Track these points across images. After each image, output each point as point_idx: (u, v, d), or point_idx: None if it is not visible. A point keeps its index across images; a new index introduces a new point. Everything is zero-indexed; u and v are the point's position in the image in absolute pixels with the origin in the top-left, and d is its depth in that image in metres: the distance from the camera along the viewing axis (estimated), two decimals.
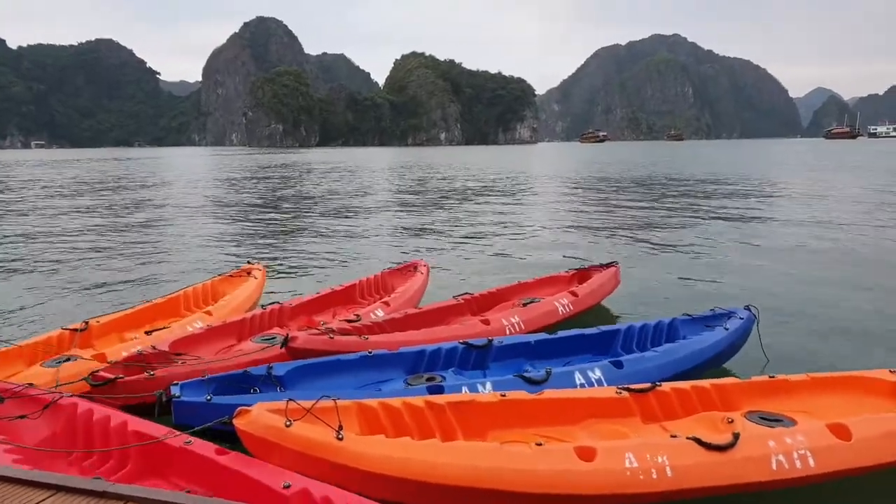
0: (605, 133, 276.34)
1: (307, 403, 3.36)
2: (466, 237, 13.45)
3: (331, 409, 3.40)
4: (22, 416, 3.60)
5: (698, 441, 3.16)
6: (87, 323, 5.59)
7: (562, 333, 5.20)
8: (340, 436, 3.14)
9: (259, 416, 3.29)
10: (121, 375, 4.12)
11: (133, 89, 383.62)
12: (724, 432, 3.45)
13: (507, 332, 5.53)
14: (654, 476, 3.03)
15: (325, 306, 6.73)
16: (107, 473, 3.37)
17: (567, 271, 7.61)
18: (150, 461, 3.39)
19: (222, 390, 4.01)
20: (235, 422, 3.30)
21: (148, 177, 38.68)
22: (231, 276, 7.50)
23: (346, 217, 16.90)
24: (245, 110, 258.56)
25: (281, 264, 10.39)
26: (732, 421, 3.57)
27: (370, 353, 4.66)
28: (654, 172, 36.15)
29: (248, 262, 7.97)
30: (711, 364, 4.99)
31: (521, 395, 3.79)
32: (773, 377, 4.14)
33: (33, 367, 4.77)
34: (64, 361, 4.75)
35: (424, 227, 15.01)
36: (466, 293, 6.71)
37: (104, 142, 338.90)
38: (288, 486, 2.90)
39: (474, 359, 4.90)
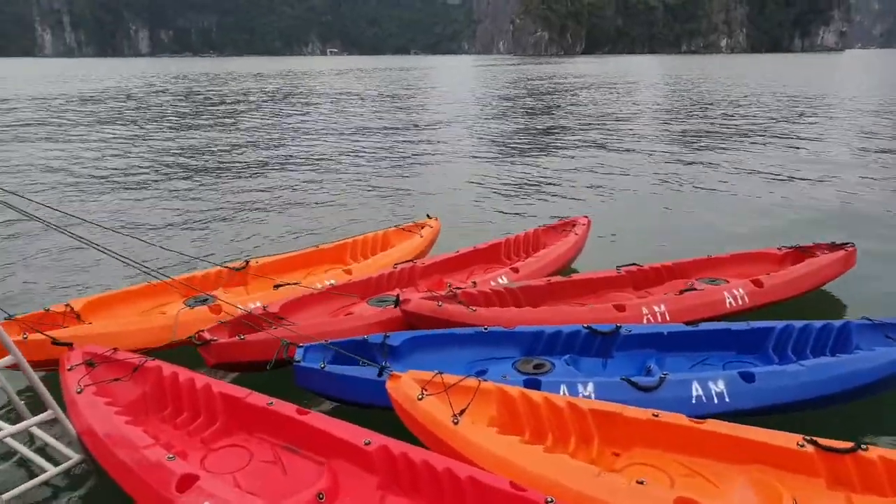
0: None
1: (452, 379, 3.56)
2: (684, 185, 11.61)
3: (471, 388, 3.52)
4: (116, 379, 3.93)
5: None
6: (246, 262, 5.90)
7: (704, 326, 4.61)
8: (456, 420, 3.30)
9: (404, 383, 3.56)
10: (216, 338, 4.35)
11: None
12: None
13: (646, 322, 4.84)
14: None
15: (462, 266, 6.36)
16: (199, 430, 3.66)
17: (780, 248, 6.24)
18: (237, 419, 3.64)
19: (342, 357, 4.13)
20: (388, 385, 3.60)
21: (415, 92, 40.92)
22: (404, 228, 7.24)
23: (586, 149, 15.74)
24: (513, 17, 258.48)
25: (496, 210, 9.96)
26: None
27: (485, 329, 4.57)
28: None
29: (427, 216, 7.60)
30: (878, 388, 4.10)
31: (678, 418, 3.39)
32: None
33: (177, 302, 5.23)
34: (200, 303, 5.13)
35: (652, 168, 13.36)
36: (634, 264, 5.91)
37: (385, 49, 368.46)
38: (369, 443, 3.10)
39: (598, 346, 4.52)
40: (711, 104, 28.54)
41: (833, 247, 6.02)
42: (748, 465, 3.22)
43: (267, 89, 42.30)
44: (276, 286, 5.48)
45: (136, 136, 19.36)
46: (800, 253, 6.10)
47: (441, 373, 3.57)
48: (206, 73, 69.99)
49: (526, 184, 12.24)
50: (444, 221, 7.54)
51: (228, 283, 5.70)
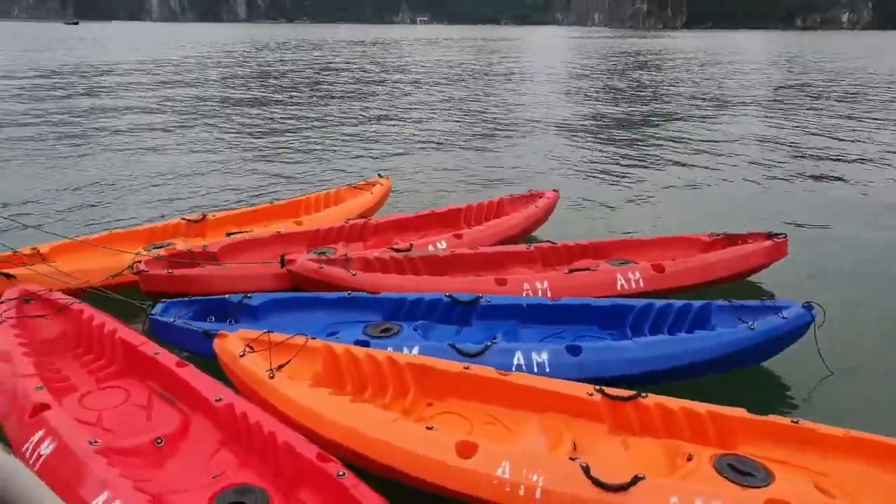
0: None
1: (279, 337, 3.77)
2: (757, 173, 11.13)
3: (296, 346, 3.74)
4: (42, 316, 4.37)
5: (587, 471, 2.78)
6: (204, 215, 6.46)
7: (565, 300, 4.69)
8: (272, 374, 3.52)
9: (230, 342, 3.82)
10: (146, 270, 4.99)
11: None
12: (677, 469, 3.08)
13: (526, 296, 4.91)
14: (522, 493, 2.83)
15: (415, 227, 6.54)
16: (97, 370, 4.05)
17: (710, 235, 5.94)
18: (130, 364, 4.00)
19: (204, 314, 4.57)
20: (214, 344, 3.88)
21: (497, 66, 39.68)
22: (356, 187, 7.63)
23: (669, 135, 14.44)
24: None
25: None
26: (692, 458, 3.10)
27: (349, 294, 4.76)
28: None
29: (379, 175, 7.98)
30: (707, 369, 4.09)
31: (487, 371, 3.68)
32: (796, 422, 3.22)
33: (140, 248, 5.69)
34: (158, 248, 5.69)
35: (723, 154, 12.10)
36: (547, 241, 6.05)
37: (476, 18, 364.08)
38: (220, 400, 3.36)
39: (457, 315, 4.67)
40: (828, 86, 26.07)
41: (767, 236, 5.72)
42: (543, 413, 3.53)
43: (353, 60, 42.26)
44: (229, 234, 6.02)
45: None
46: (727, 241, 5.83)
47: (270, 332, 3.77)
48: (303, 40, 71.19)
49: (595, 167, 11.74)
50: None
51: (188, 234, 6.23)
